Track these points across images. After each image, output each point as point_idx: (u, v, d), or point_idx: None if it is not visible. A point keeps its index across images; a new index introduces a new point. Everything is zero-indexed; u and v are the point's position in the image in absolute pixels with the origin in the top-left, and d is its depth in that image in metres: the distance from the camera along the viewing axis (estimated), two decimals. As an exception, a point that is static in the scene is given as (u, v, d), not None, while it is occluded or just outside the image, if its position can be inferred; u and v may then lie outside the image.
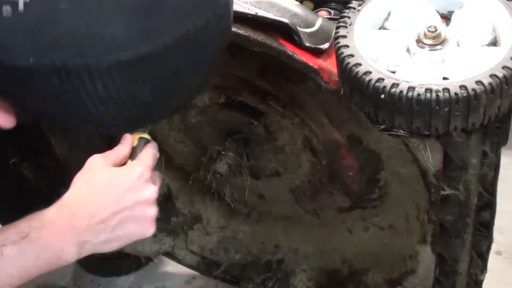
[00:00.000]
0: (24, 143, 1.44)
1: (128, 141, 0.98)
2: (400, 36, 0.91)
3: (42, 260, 0.86)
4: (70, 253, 0.88)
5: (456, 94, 0.80)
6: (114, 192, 0.91)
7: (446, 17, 0.94)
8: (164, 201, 1.60)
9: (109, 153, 0.96)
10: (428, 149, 0.96)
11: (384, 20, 0.95)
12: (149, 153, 0.97)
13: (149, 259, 1.75)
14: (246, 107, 1.21)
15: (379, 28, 0.95)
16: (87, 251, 0.90)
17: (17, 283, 0.85)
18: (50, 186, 1.51)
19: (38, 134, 1.42)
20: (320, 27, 0.99)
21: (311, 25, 0.99)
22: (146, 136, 0.98)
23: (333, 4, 1.21)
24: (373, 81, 0.83)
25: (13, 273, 0.85)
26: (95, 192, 0.90)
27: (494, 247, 1.15)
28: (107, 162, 0.94)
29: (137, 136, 0.97)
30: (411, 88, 0.81)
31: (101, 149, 1.54)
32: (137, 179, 0.92)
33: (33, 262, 0.85)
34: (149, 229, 0.93)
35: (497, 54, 0.84)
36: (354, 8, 0.94)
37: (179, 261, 1.59)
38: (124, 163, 0.96)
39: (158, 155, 0.99)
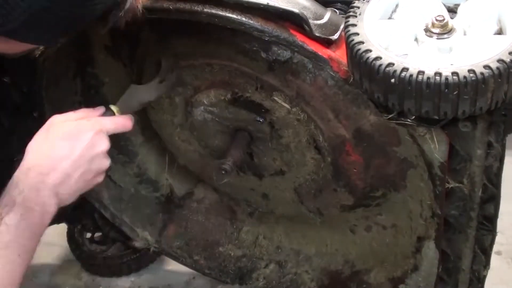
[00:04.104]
0: (29, 141, 1.44)
1: (98, 110, 1.11)
2: (408, 26, 0.94)
3: (36, 217, 0.98)
4: (52, 205, 1.00)
5: (465, 77, 0.82)
6: (74, 148, 1.02)
7: (452, 10, 0.97)
8: (166, 202, 1.61)
9: (70, 114, 1.07)
10: (435, 138, 0.98)
11: (392, 12, 0.98)
12: (111, 118, 1.11)
13: (149, 261, 1.76)
14: (252, 104, 1.23)
15: (388, 19, 0.98)
16: (63, 201, 1.02)
17: (32, 246, 0.98)
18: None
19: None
20: (329, 20, 1.02)
21: (320, 17, 1.01)
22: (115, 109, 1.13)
23: (338, 5, 1.24)
24: (383, 66, 0.86)
25: (24, 237, 0.96)
26: (56, 148, 1.01)
27: (494, 247, 1.16)
28: (66, 119, 1.05)
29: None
30: (421, 72, 0.84)
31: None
32: (91, 135, 1.04)
33: (32, 222, 0.97)
34: (101, 178, 1.10)
35: (503, 42, 0.86)
36: (363, -1, 0.97)
37: (180, 261, 1.59)
38: None
39: (123, 128, 1.12)
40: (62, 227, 1.70)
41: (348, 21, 0.94)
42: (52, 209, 1.00)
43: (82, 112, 1.10)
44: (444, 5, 0.96)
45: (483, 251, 1.15)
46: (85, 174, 1.04)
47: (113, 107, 1.14)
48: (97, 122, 1.07)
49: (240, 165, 1.30)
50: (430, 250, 1.22)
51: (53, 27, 0.89)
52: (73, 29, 0.93)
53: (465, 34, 0.92)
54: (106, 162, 1.08)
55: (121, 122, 1.12)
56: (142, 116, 1.51)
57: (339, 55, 0.98)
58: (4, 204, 0.96)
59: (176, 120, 1.39)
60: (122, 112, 1.15)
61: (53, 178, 1.00)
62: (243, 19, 0.99)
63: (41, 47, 1.23)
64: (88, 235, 1.71)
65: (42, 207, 0.98)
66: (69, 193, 1.03)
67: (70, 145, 1.02)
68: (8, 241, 0.94)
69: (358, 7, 0.95)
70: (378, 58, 0.87)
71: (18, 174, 1.01)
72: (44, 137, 1.03)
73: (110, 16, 0.95)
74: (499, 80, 0.83)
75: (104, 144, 1.06)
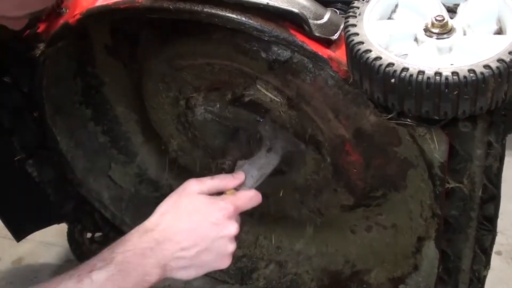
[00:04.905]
0: (29, 141, 1.45)
1: (238, 177, 1.09)
2: (408, 26, 0.94)
3: (129, 282, 0.91)
4: (153, 275, 0.93)
5: (465, 77, 0.82)
6: (198, 225, 0.97)
7: (452, 10, 0.97)
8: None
9: (207, 181, 1.04)
10: (434, 138, 0.98)
11: (391, 12, 0.98)
12: (244, 194, 1.06)
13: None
14: (252, 104, 1.23)
15: (387, 19, 0.98)
16: (168, 273, 0.96)
17: None
18: (54, 184, 1.51)
19: (43, 131, 1.43)
20: (329, 19, 1.01)
21: (320, 17, 1.01)
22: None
23: (338, 5, 1.23)
24: (383, 66, 0.85)
25: None
26: (180, 220, 0.97)
27: (494, 247, 1.16)
28: (201, 189, 1.02)
29: None
30: (421, 72, 0.83)
31: (105, 148, 1.56)
32: (222, 215, 0.99)
33: (120, 285, 0.90)
34: (225, 262, 1.02)
35: (503, 42, 0.86)
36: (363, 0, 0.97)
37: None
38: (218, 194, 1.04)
39: (256, 203, 1.08)
40: (62, 227, 1.70)
41: (348, 21, 0.94)
42: (152, 279, 0.94)
43: (219, 180, 1.06)
44: (444, 5, 0.96)
45: (483, 251, 1.14)
46: (203, 254, 0.98)
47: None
48: (231, 203, 1.03)
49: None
50: (430, 250, 1.22)
51: None
52: None
53: (464, 34, 0.92)
54: (230, 246, 1.01)
55: (255, 198, 1.08)
56: (142, 116, 1.51)
57: (339, 55, 0.98)
58: (102, 258, 0.92)
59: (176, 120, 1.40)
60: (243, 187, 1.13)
61: (165, 248, 0.95)
62: (243, 19, 0.99)
63: (42, 47, 1.24)
64: (88, 235, 1.70)
65: (141, 274, 0.92)
66: (180, 268, 0.97)
67: (195, 221, 0.98)
68: None
69: (358, 7, 0.95)
70: (378, 58, 0.86)
71: (134, 232, 0.98)
72: (173, 203, 1.01)
73: None
74: (499, 79, 0.82)
75: (233, 228, 1.01)
